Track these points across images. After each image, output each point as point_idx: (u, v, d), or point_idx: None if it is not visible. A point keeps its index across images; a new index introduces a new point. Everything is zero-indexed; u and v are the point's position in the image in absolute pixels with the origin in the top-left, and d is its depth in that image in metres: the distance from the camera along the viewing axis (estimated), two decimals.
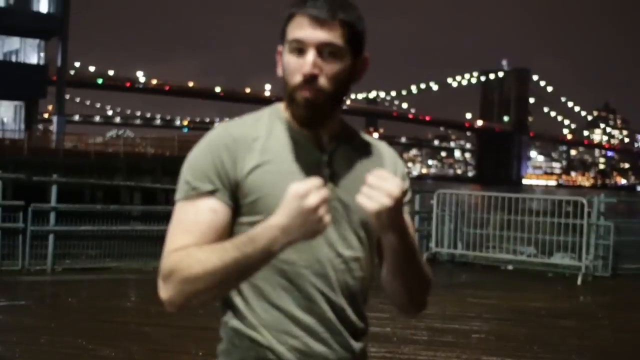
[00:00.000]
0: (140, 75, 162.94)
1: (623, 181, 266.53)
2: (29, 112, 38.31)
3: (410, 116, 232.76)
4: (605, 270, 10.68)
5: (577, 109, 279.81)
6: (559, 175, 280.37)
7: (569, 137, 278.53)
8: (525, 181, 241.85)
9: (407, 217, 1.52)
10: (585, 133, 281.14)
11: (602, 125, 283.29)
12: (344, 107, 1.61)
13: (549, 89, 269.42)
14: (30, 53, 38.84)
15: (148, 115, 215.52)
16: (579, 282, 10.03)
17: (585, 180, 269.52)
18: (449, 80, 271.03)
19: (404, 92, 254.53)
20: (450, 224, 11.74)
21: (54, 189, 9.66)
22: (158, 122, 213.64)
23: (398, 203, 1.36)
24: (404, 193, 1.39)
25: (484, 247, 11.61)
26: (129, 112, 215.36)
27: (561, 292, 9.49)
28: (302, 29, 1.46)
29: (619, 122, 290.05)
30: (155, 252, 8.83)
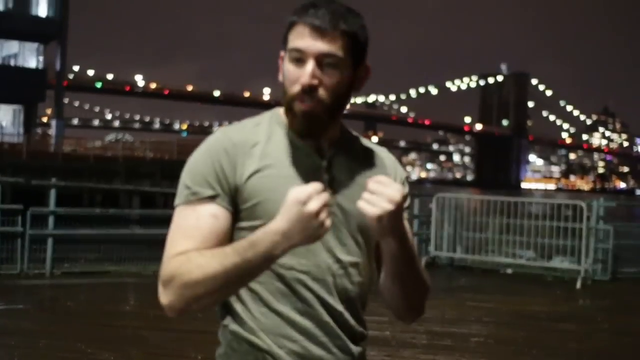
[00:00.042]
0: (139, 79, 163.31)
1: (622, 185, 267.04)
2: (27, 116, 38.30)
3: (410, 120, 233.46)
4: (605, 274, 10.69)
5: (576, 112, 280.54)
6: (558, 179, 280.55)
7: (568, 140, 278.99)
8: (524, 185, 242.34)
9: (405, 222, 1.53)
10: (585, 137, 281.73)
11: (601, 129, 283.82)
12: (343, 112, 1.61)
13: (548, 92, 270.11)
14: (29, 57, 38.85)
15: (147, 119, 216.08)
16: (578, 285, 10.03)
17: (584, 184, 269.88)
18: (448, 84, 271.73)
19: (403, 96, 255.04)
20: (450, 228, 11.74)
21: (52, 193, 9.65)
22: (157, 126, 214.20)
23: (399, 208, 1.37)
24: (404, 198, 1.39)
25: (483, 251, 11.61)
26: (128, 116, 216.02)
27: (560, 295, 9.49)
28: (303, 39, 1.46)
29: (618, 125, 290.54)
30: (154, 256, 8.82)
